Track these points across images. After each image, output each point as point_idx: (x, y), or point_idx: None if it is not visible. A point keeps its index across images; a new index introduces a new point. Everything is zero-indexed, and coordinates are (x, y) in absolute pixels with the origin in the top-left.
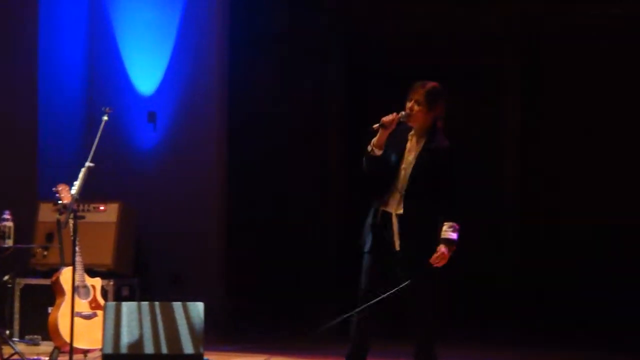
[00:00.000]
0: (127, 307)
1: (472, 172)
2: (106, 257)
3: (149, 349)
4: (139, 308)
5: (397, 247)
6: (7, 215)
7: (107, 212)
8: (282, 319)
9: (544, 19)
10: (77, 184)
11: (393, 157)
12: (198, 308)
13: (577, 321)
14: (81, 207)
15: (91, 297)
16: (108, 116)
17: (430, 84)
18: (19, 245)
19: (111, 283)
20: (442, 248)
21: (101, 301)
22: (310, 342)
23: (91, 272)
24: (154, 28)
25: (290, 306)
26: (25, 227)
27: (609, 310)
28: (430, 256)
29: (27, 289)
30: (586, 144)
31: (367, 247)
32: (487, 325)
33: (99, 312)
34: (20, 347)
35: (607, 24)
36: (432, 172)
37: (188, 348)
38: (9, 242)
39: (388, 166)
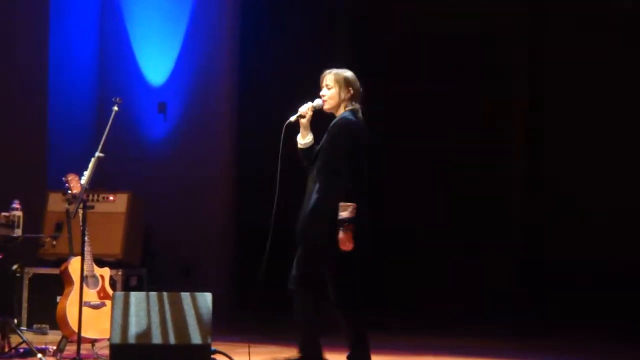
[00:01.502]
0: (136, 297)
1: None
2: (115, 247)
3: (157, 339)
4: (147, 298)
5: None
6: (16, 205)
7: (116, 202)
8: (291, 310)
9: (552, 14)
10: (86, 173)
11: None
12: (206, 298)
13: None
14: (91, 197)
15: (100, 286)
16: (118, 106)
17: (339, 69)
18: (28, 235)
19: (120, 273)
20: (340, 234)
21: (109, 291)
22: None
23: (100, 262)
24: (165, 18)
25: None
26: (34, 216)
27: None
28: (313, 233)
29: (35, 278)
30: (595, 145)
31: None
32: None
33: (107, 302)
34: (28, 336)
35: (618, 21)
36: (326, 149)
37: (196, 338)
38: (18, 232)
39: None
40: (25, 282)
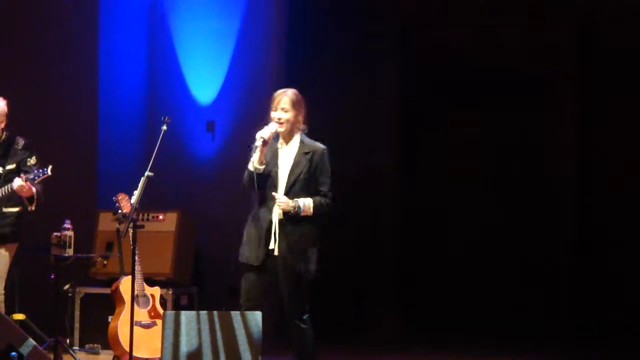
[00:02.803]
0: (186, 316)
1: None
2: (165, 266)
3: (207, 358)
4: (198, 317)
5: (277, 252)
6: (67, 225)
7: (166, 221)
8: (337, 329)
9: (600, 27)
10: (136, 193)
11: (270, 167)
12: (256, 317)
13: None
14: (140, 216)
15: (150, 306)
16: (167, 126)
17: (291, 90)
18: (79, 255)
19: (170, 292)
20: (291, 201)
21: (160, 310)
22: (362, 351)
23: (150, 281)
24: (213, 37)
25: (345, 316)
26: (85, 236)
27: None
28: (302, 258)
29: (87, 298)
30: None
31: (252, 259)
32: None
33: (158, 321)
34: (81, 356)
35: None
36: (308, 174)
37: (246, 357)
38: (69, 252)
39: (266, 176)
40: (77, 302)
